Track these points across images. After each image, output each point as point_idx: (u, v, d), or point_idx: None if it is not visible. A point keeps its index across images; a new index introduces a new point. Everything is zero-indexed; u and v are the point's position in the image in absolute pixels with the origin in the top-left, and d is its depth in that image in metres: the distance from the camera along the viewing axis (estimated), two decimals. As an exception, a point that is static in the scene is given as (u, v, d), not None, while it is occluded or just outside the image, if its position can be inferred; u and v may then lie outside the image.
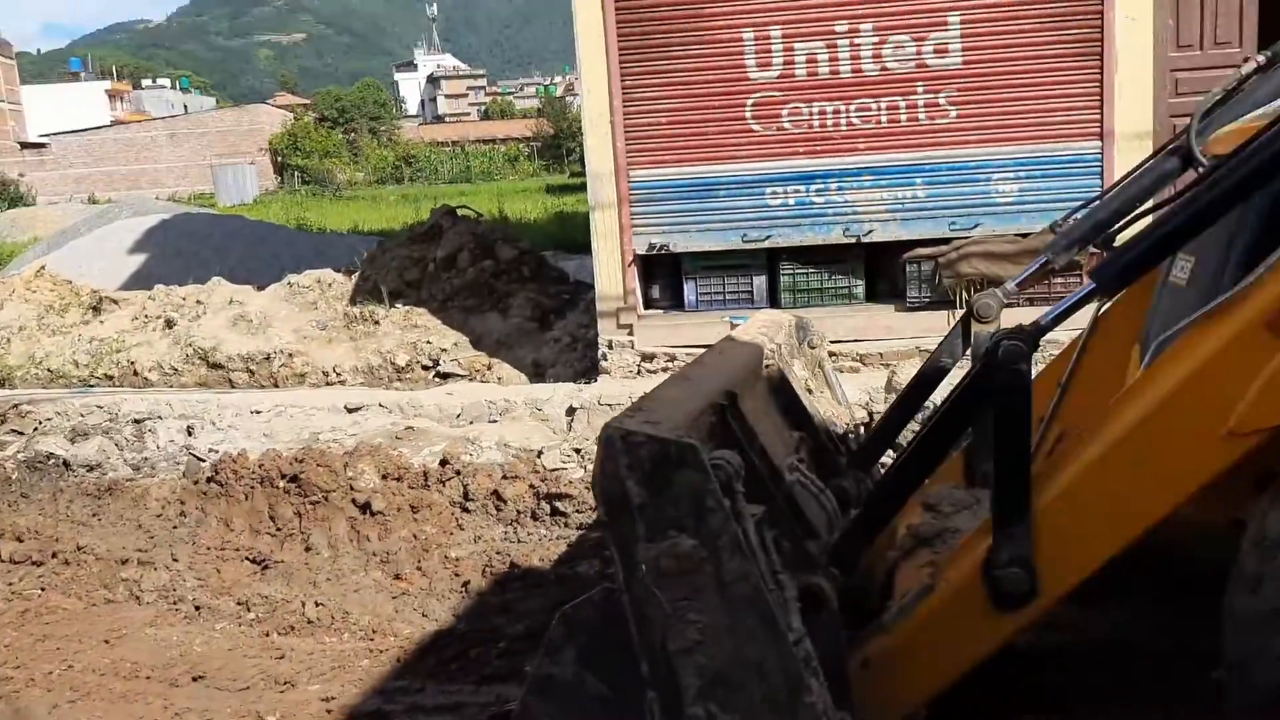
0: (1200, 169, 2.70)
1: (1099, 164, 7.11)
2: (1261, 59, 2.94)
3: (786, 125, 7.36)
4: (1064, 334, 2.96)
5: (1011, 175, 7.29)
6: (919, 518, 3.01)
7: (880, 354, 7.26)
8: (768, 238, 7.52)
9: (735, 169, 7.44)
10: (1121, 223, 2.96)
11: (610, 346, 7.58)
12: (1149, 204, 2.91)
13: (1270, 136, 2.16)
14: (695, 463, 1.91)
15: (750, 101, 7.34)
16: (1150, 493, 2.14)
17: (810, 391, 3.81)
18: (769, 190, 7.45)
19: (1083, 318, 2.85)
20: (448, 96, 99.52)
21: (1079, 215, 3.10)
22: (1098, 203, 3.09)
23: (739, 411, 2.57)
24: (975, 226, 7.33)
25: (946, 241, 7.34)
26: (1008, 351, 2.18)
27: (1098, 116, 7.13)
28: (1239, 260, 2.33)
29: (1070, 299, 2.29)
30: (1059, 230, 3.12)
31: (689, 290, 7.70)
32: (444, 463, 5.34)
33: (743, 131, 7.39)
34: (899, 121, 7.29)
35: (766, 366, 3.35)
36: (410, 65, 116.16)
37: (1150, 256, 2.24)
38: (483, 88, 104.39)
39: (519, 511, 5.01)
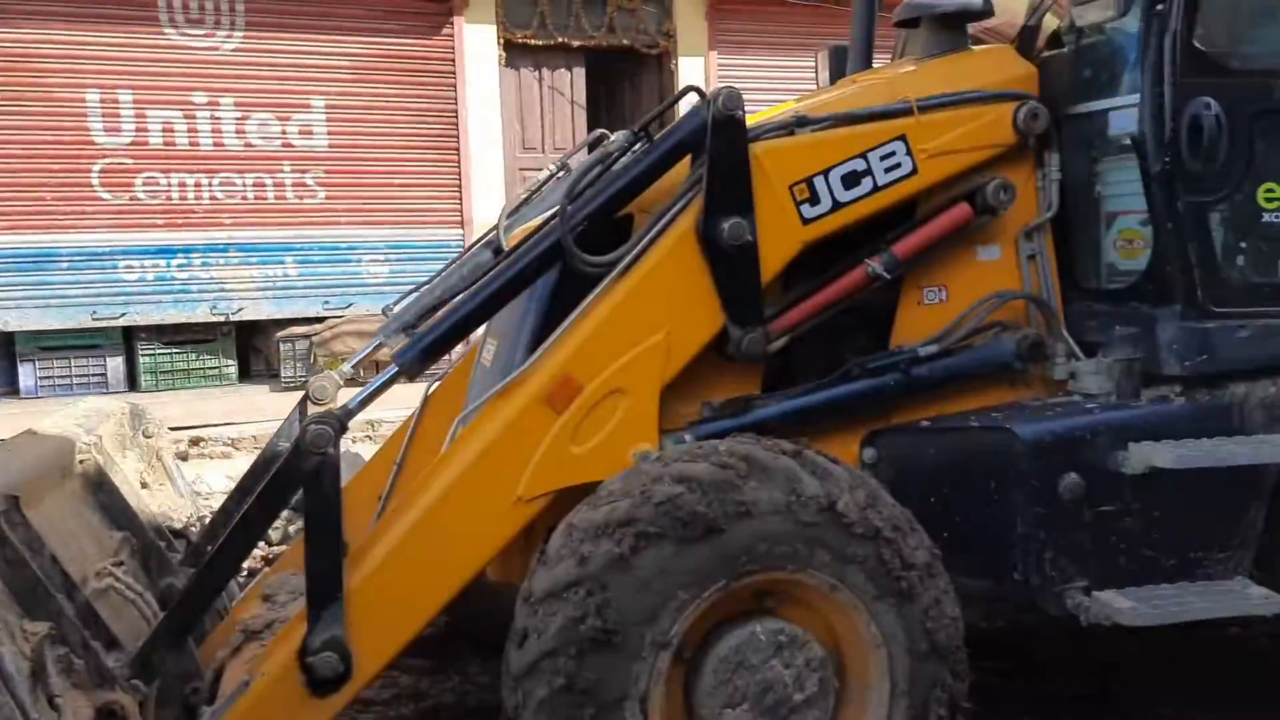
0: (504, 261, 3.00)
1: (461, 249, 7.65)
2: (553, 167, 3.38)
3: (141, 195, 6.87)
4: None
5: (382, 257, 7.57)
6: (256, 610, 2.89)
7: (254, 436, 6.95)
8: (123, 315, 6.90)
9: (81, 239, 6.75)
10: (444, 308, 3.17)
11: (-85, 444, 6.32)
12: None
13: (539, 238, 2.47)
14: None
15: (97, 168, 6.74)
16: (452, 562, 2.30)
17: (146, 485, 3.52)
18: (123, 264, 6.87)
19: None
20: None
21: (409, 300, 3.26)
22: (426, 288, 3.28)
23: (20, 518, 2.26)
24: (349, 306, 7.46)
25: (321, 320, 7.36)
26: (315, 435, 2.21)
27: (458, 206, 7.73)
28: (526, 343, 2.62)
29: (375, 382, 2.38)
30: (390, 314, 3.26)
31: (25, 374, 6.78)
32: None
33: (89, 199, 6.75)
34: (266, 199, 7.19)
35: (81, 462, 3.02)
36: None
37: (445, 340, 2.44)
38: None
39: None
